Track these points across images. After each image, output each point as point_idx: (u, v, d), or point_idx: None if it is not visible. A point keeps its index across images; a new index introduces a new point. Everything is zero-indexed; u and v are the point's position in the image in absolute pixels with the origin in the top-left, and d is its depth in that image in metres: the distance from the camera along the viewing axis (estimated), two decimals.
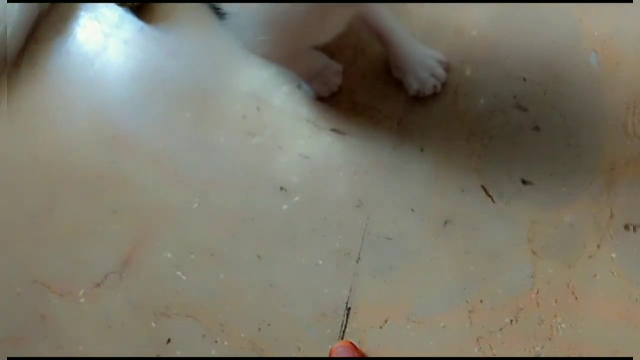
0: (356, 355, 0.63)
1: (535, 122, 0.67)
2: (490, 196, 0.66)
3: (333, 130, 0.73)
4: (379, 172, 0.70)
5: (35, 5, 0.88)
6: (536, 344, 0.61)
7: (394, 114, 0.71)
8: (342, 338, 0.66)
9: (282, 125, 0.75)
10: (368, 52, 0.74)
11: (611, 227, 0.62)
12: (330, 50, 0.73)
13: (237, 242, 0.72)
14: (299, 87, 0.75)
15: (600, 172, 0.63)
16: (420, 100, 0.71)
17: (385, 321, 0.65)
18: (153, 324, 0.71)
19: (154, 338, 0.71)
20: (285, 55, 0.66)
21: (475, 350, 0.62)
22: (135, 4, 0.85)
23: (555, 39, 0.69)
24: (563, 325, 0.60)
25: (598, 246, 0.61)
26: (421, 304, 0.65)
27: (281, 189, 0.73)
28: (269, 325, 0.68)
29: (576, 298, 0.61)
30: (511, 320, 0.62)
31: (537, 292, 0.62)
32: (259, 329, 0.68)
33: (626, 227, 0.61)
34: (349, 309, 0.66)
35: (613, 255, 0.61)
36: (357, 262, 0.68)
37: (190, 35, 0.82)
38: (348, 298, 0.67)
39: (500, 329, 0.62)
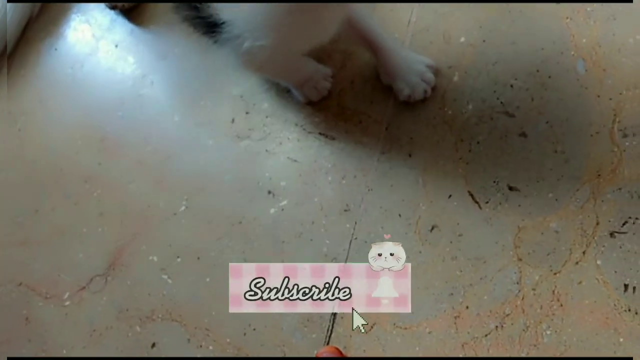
0: None
1: (522, 128, 0.67)
2: (477, 202, 0.66)
3: (321, 134, 0.73)
4: (367, 177, 0.70)
5: (26, 5, 0.88)
6: (521, 350, 0.60)
7: (383, 119, 0.72)
8: (327, 343, 0.66)
9: (271, 129, 0.75)
10: (356, 58, 0.74)
11: (597, 234, 0.62)
12: (319, 55, 0.73)
13: (224, 246, 0.72)
14: (288, 91, 0.75)
15: (587, 178, 0.63)
16: (408, 105, 0.71)
17: (372, 327, 0.65)
18: (138, 328, 0.71)
19: (139, 342, 0.70)
20: (280, 63, 0.67)
21: (461, 356, 0.62)
22: (126, 6, 0.85)
23: (543, 46, 0.69)
24: (548, 332, 0.60)
25: (584, 253, 0.62)
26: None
27: (269, 192, 0.72)
28: (254, 329, 0.68)
29: (562, 305, 0.61)
30: (497, 327, 0.62)
31: (523, 299, 0.62)
32: (245, 334, 0.68)
33: (612, 234, 0.61)
34: (334, 314, 0.66)
35: (599, 262, 0.61)
36: None
37: (180, 38, 0.82)
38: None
39: (486, 335, 0.62)
